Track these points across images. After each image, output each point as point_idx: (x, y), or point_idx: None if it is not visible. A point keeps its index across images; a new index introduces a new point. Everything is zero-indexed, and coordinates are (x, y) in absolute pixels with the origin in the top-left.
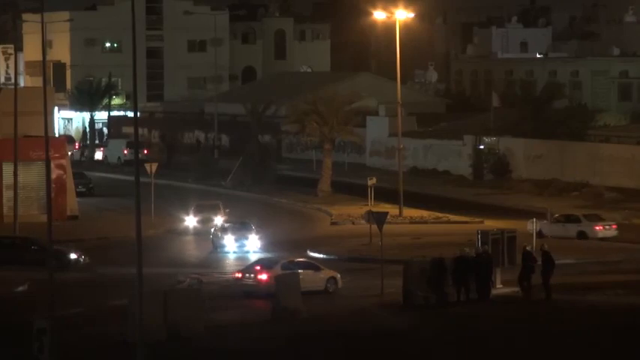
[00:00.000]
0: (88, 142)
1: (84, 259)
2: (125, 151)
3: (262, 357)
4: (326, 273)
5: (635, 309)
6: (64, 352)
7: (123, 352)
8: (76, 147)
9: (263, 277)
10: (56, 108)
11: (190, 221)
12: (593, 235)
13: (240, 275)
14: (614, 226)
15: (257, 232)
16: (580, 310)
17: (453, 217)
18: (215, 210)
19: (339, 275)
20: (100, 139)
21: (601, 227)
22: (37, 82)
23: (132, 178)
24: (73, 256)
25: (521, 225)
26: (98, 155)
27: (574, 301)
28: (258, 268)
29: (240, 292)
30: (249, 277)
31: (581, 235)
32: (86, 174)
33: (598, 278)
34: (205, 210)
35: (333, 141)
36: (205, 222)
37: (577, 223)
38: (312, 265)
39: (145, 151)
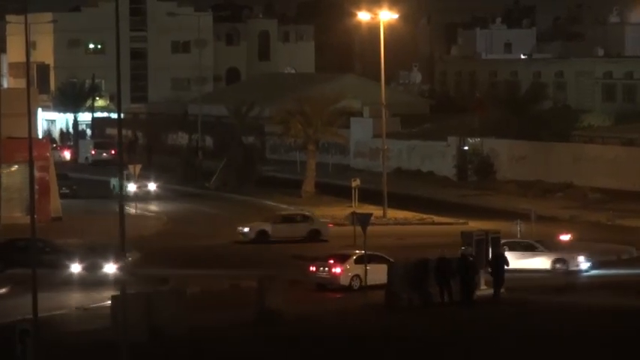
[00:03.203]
0: (72, 143)
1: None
2: (93, 152)
3: (244, 358)
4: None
5: (620, 310)
6: (48, 354)
7: (106, 353)
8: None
9: (337, 270)
10: (40, 109)
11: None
12: None
13: (314, 268)
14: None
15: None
16: (563, 312)
17: (437, 219)
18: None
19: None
20: (75, 141)
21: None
22: (21, 83)
23: (99, 178)
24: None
25: (505, 226)
26: (67, 156)
27: (558, 302)
28: (331, 261)
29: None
30: (323, 271)
31: None
32: (70, 175)
33: (585, 279)
34: None
35: (317, 142)
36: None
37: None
38: (385, 259)
39: (112, 152)
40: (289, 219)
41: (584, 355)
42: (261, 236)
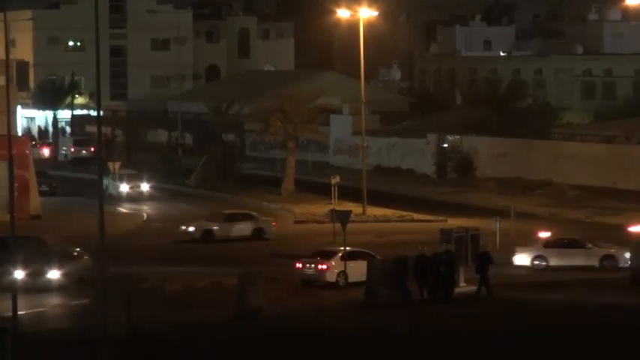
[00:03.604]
0: (51, 140)
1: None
2: (72, 149)
3: (223, 355)
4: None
5: (597, 307)
6: (27, 351)
7: (85, 350)
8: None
9: (323, 266)
10: (19, 107)
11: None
12: None
13: (300, 265)
14: None
15: None
16: (543, 309)
17: (416, 216)
18: None
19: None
20: (55, 138)
21: None
22: (0, 81)
23: (78, 176)
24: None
25: (485, 223)
26: (46, 153)
27: (537, 299)
28: (318, 258)
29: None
30: (310, 267)
31: None
32: (49, 173)
33: (561, 276)
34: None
35: (296, 139)
36: None
37: None
38: (371, 256)
39: (92, 149)
40: (234, 218)
41: (561, 353)
42: (207, 235)
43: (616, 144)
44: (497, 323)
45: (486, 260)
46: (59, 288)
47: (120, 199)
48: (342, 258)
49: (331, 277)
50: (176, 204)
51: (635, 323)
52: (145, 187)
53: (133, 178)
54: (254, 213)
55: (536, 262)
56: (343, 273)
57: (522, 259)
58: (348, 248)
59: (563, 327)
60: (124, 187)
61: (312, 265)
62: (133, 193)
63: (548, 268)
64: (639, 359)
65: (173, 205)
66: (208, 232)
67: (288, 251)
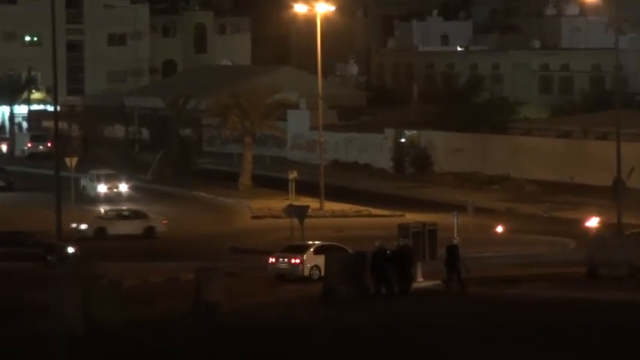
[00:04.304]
0: (8, 136)
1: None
2: (29, 145)
3: (178, 351)
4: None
5: (556, 302)
6: None
7: (43, 347)
8: None
9: (296, 260)
10: None
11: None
12: None
13: (273, 260)
14: None
15: None
16: (501, 304)
17: (374, 211)
18: None
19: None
20: (12, 134)
21: None
22: None
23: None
24: (70, 250)
25: (442, 218)
26: (3, 148)
27: (495, 294)
28: (291, 252)
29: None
30: (283, 262)
31: None
32: (6, 168)
33: (519, 271)
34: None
35: (254, 134)
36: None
37: None
38: (343, 250)
39: (49, 144)
40: (125, 216)
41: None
42: (99, 233)
43: (573, 139)
44: (454, 318)
45: (454, 254)
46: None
47: (97, 200)
48: (316, 252)
49: (305, 271)
50: (151, 205)
51: (594, 317)
52: (123, 187)
53: (111, 179)
54: (145, 211)
55: None
56: (317, 267)
57: None
58: (319, 242)
59: (521, 321)
60: (102, 188)
61: (286, 260)
62: (110, 193)
63: None
64: (599, 353)
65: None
66: (101, 230)
67: (247, 246)
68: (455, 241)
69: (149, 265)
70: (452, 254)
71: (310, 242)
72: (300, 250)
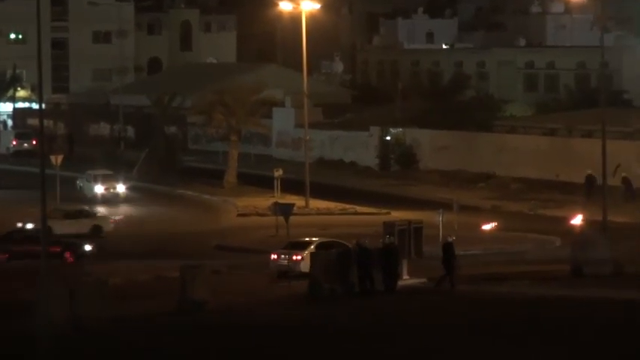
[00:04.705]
0: None
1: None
2: (14, 142)
3: (163, 349)
4: None
5: (541, 300)
6: None
7: (28, 346)
8: None
9: (298, 257)
10: None
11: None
12: None
13: (275, 256)
14: None
15: None
16: (486, 301)
17: (359, 209)
18: None
19: None
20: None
21: None
22: None
23: (20, 169)
24: (87, 247)
25: (428, 216)
26: None
27: (480, 292)
28: (292, 249)
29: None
30: (284, 258)
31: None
32: None
33: (504, 269)
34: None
35: (239, 132)
36: None
37: None
38: (344, 246)
39: (34, 142)
40: (72, 215)
41: (502, 345)
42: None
43: (558, 136)
44: (439, 316)
45: (450, 252)
46: None
47: (94, 201)
48: (317, 248)
49: (306, 268)
50: (152, 206)
51: (579, 315)
52: (120, 188)
53: (108, 179)
54: (92, 210)
55: None
56: None
57: None
58: (320, 239)
59: (506, 319)
60: (99, 189)
61: (287, 257)
62: (107, 194)
63: None
64: (584, 351)
65: (144, 206)
66: (47, 229)
67: (232, 244)
68: (450, 239)
69: (135, 263)
70: (447, 252)
71: (312, 239)
72: (301, 246)
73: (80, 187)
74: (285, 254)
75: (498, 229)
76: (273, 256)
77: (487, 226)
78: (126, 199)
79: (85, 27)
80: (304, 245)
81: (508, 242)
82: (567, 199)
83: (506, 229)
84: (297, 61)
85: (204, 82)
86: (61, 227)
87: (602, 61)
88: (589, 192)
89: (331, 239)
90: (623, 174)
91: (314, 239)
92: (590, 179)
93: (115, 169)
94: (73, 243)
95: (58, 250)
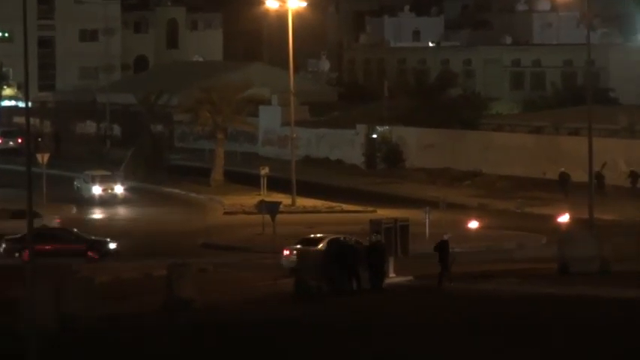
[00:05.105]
0: None
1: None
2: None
3: (150, 347)
4: None
5: (527, 297)
6: None
7: (14, 344)
8: None
9: None
10: None
11: None
12: None
13: (287, 253)
14: None
15: None
16: (473, 300)
17: (346, 207)
18: None
19: None
20: None
21: None
22: None
23: (5, 167)
24: (112, 246)
25: (414, 214)
26: None
27: (467, 290)
28: (305, 245)
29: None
30: (297, 255)
31: None
32: None
33: (491, 267)
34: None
35: (225, 130)
36: None
37: None
38: (358, 242)
39: (20, 140)
40: (19, 215)
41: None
42: None
43: (545, 134)
44: (425, 313)
45: (445, 250)
46: None
47: (92, 201)
48: (328, 244)
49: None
50: (147, 207)
51: (566, 313)
52: (119, 189)
53: (106, 180)
54: (38, 211)
55: None
56: None
57: None
58: (332, 235)
59: (491, 317)
60: (97, 190)
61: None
62: (105, 195)
63: None
64: (568, 349)
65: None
66: None
67: (219, 242)
68: (446, 237)
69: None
70: (443, 250)
71: (323, 235)
72: (314, 242)
73: (77, 187)
74: (297, 250)
75: (485, 227)
76: (286, 252)
77: (472, 225)
78: (124, 200)
79: (71, 25)
80: (317, 241)
81: (495, 240)
82: (554, 196)
83: (493, 227)
84: (283, 60)
85: (191, 80)
86: (8, 227)
87: (588, 58)
88: (564, 189)
89: (348, 236)
90: (631, 168)
91: (326, 235)
92: (562, 176)
93: (101, 168)
94: (97, 241)
95: (83, 247)
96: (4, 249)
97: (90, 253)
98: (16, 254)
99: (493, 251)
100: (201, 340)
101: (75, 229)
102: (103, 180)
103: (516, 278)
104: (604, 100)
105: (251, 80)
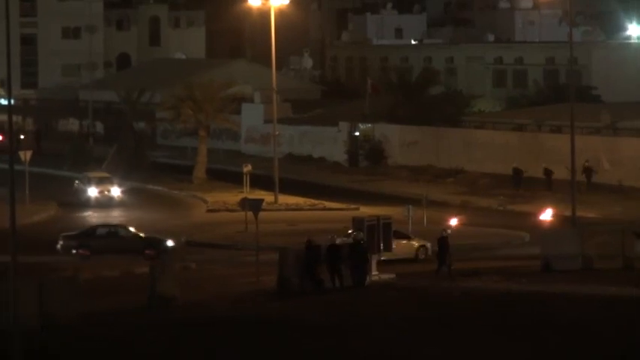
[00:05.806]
0: None
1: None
2: None
3: (132, 345)
4: (417, 241)
5: (510, 295)
6: None
7: None
8: None
9: None
10: None
11: None
12: None
13: None
14: None
15: None
16: (455, 297)
17: (328, 204)
18: None
19: (429, 244)
20: None
21: None
22: None
23: None
24: (170, 243)
25: (396, 211)
26: None
27: (449, 287)
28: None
29: None
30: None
31: None
32: None
33: (474, 264)
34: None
35: (208, 128)
36: None
37: None
38: (403, 235)
39: (1, 137)
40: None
41: (467, 340)
42: None
43: (527, 132)
44: (408, 311)
45: (444, 246)
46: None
47: (88, 203)
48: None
49: None
50: (146, 208)
51: (546, 310)
52: (115, 191)
53: (103, 182)
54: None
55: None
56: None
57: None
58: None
59: (471, 314)
60: (93, 192)
61: None
62: (102, 197)
63: None
64: (549, 346)
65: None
66: None
67: (202, 240)
68: (445, 233)
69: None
70: (442, 246)
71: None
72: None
73: (76, 188)
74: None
75: (467, 224)
76: None
77: (452, 222)
78: (121, 203)
79: (53, 23)
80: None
81: (477, 237)
82: (536, 194)
83: (476, 225)
84: (266, 57)
85: (173, 77)
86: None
87: (570, 56)
88: (517, 184)
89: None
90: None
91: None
92: (516, 171)
93: (82, 165)
94: (154, 238)
95: (140, 245)
96: (62, 246)
97: (147, 251)
98: (73, 251)
99: (476, 248)
100: (181, 337)
101: (132, 228)
102: (100, 182)
103: (499, 276)
104: (586, 97)
105: (233, 78)
